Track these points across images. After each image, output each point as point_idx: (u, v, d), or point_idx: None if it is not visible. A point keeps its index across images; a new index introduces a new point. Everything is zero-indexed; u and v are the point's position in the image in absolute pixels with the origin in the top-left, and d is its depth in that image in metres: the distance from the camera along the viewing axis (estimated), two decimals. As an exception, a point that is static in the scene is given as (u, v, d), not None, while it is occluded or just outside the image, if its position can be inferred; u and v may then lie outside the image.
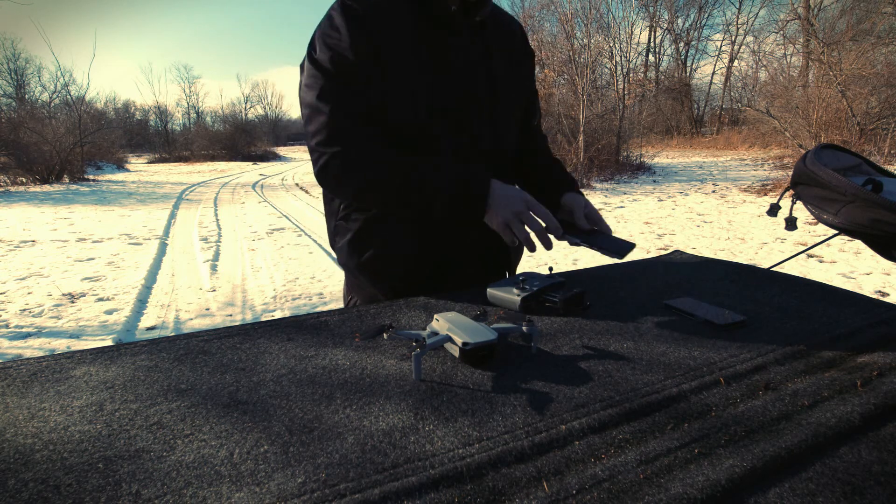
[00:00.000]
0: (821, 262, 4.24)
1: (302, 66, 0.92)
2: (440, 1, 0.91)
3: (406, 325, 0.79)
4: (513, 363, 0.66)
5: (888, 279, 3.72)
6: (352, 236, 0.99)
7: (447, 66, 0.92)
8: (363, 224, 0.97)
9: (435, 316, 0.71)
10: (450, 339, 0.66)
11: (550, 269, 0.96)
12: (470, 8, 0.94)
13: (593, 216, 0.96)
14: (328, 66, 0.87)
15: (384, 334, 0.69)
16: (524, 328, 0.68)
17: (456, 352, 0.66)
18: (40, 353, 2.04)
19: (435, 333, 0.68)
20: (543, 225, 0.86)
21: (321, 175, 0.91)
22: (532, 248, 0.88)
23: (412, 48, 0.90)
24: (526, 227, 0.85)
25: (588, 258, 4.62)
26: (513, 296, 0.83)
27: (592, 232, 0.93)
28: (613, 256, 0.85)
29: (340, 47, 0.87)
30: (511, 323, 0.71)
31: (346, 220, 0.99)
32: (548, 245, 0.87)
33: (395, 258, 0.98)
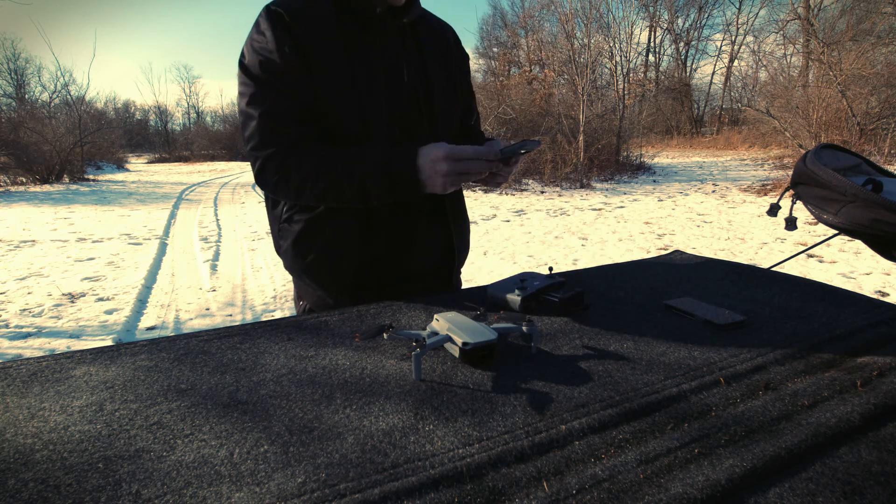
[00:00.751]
0: (821, 262, 4.24)
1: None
2: (364, 3, 0.92)
3: (406, 325, 0.79)
4: (513, 363, 0.66)
5: (888, 279, 3.72)
6: (294, 238, 0.97)
7: (377, 67, 0.92)
8: (305, 225, 0.96)
9: (435, 316, 0.71)
10: (450, 339, 0.66)
11: (550, 269, 0.96)
12: (397, 11, 0.95)
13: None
14: (256, 72, 0.88)
15: (384, 334, 0.69)
16: (524, 328, 0.68)
17: (456, 352, 0.66)
18: (40, 353, 2.04)
19: (435, 333, 0.68)
20: (476, 164, 0.83)
21: (259, 179, 0.91)
22: (487, 183, 0.91)
23: (339, 49, 0.90)
24: (466, 173, 0.84)
25: (588, 258, 4.62)
26: (513, 295, 0.83)
27: (551, 286, 0.90)
28: (534, 147, 0.86)
29: (267, 51, 0.87)
30: (511, 323, 0.71)
31: (288, 223, 0.98)
32: (499, 177, 0.92)
33: (338, 258, 0.97)
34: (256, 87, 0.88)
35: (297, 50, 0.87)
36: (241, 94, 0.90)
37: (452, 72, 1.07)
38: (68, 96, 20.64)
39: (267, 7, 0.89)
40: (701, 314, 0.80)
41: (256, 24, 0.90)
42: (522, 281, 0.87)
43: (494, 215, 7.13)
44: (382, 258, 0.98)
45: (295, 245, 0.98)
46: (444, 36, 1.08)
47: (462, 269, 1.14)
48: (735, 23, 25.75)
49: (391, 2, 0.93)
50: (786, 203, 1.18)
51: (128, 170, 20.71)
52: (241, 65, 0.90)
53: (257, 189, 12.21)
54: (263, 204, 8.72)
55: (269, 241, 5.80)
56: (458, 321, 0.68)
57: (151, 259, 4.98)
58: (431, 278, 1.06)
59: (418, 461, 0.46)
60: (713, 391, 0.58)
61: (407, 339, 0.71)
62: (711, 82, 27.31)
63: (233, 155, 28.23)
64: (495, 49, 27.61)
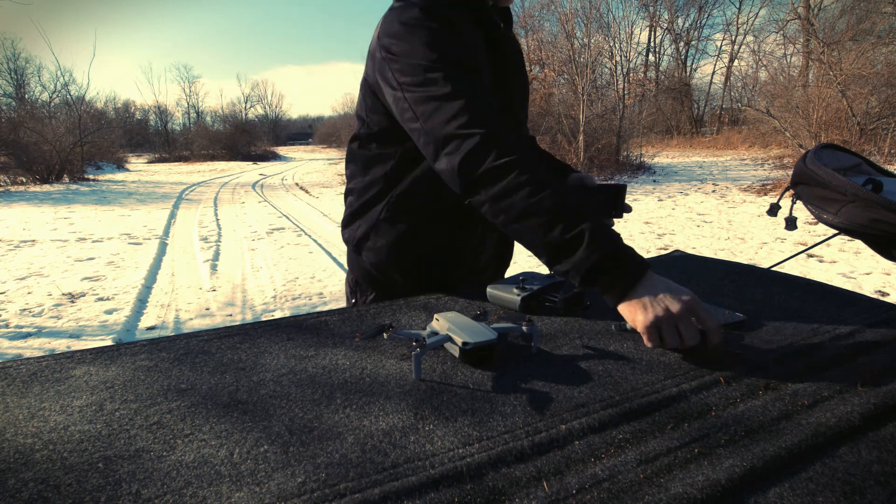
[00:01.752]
0: (821, 262, 4.24)
1: (377, 75, 0.87)
2: (491, 20, 0.94)
3: (406, 324, 0.79)
4: (513, 363, 0.66)
5: (888, 279, 3.72)
6: (398, 237, 0.98)
7: (505, 66, 0.98)
8: (409, 227, 0.98)
9: (435, 316, 0.71)
10: (450, 339, 0.66)
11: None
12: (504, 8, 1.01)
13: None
14: (450, 58, 0.80)
15: (384, 334, 0.69)
16: (524, 328, 0.68)
17: (456, 352, 0.66)
18: (40, 353, 2.04)
19: (435, 333, 0.68)
20: (698, 333, 0.66)
21: (470, 159, 0.75)
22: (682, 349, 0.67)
23: (482, 50, 0.93)
24: (679, 333, 0.65)
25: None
26: (513, 295, 0.83)
27: (552, 286, 0.88)
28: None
29: (448, 42, 0.82)
30: (511, 323, 0.71)
31: (389, 223, 0.98)
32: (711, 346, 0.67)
33: (431, 256, 1.02)
34: (452, 72, 0.79)
35: (471, 43, 0.88)
36: (429, 80, 0.79)
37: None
38: (68, 96, 20.64)
39: (426, 6, 0.84)
40: None
41: (416, 23, 0.82)
42: (522, 281, 0.87)
43: (494, 215, 7.11)
44: (458, 255, 1.04)
45: (397, 244, 0.99)
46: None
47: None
48: (735, 23, 25.75)
49: (500, 2, 0.97)
50: (786, 203, 1.18)
51: (128, 170, 20.70)
52: (422, 66, 0.80)
53: (257, 189, 12.22)
54: (263, 204, 8.63)
55: (269, 241, 5.80)
56: (459, 321, 0.68)
57: (151, 259, 4.98)
58: (486, 272, 1.12)
59: (418, 461, 0.46)
60: (713, 391, 0.58)
61: (407, 338, 0.71)
62: (711, 82, 27.32)
63: (233, 155, 28.22)
64: (495, 49, 27.52)
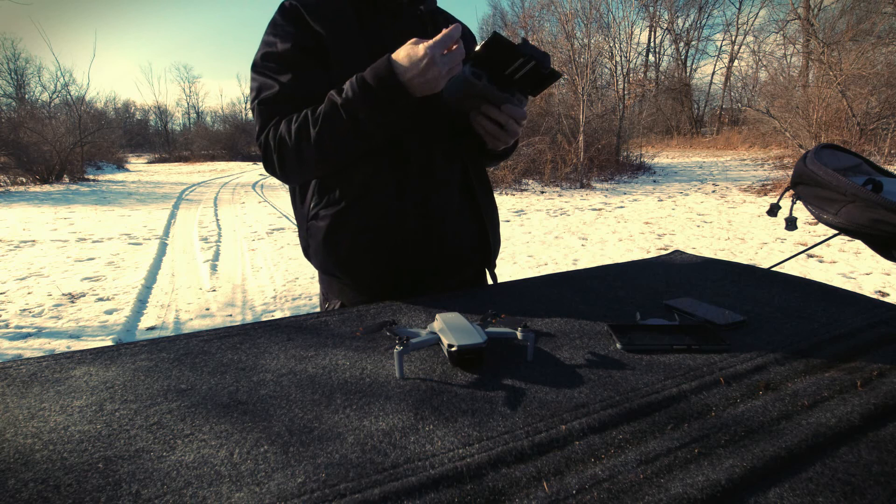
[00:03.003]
0: (821, 262, 4.24)
1: None
2: None
3: (406, 324, 0.79)
4: (512, 363, 0.66)
5: (888, 279, 3.72)
6: (324, 234, 0.95)
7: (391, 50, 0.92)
8: (332, 219, 0.94)
9: (437, 315, 0.71)
10: (438, 341, 0.66)
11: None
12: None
13: None
14: (261, 65, 0.90)
15: (385, 330, 0.69)
16: (519, 334, 0.68)
17: (446, 353, 0.66)
18: (40, 353, 2.04)
19: (433, 332, 0.68)
20: (453, 47, 0.79)
21: (266, 162, 0.91)
22: (498, 137, 0.88)
23: (355, 37, 0.91)
24: (447, 63, 0.78)
25: (588, 258, 4.62)
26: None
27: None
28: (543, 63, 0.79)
29: (273, 44, 0.89)
30: (508, 328, 0.71)
31: (315, 219, 0.96)
32: (507, 126, 0.87)
33: (370, 244, 0.94)
34: (260, 78, 0.89)
35: (309, 41, 0.88)
36: (251, 88, 0.92)
37: None
38: (68, 96, 20.65)
39: (282, 4, 0.91)
40: (701, 314, 0.80)
41: (272, 22, 0.91)
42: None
43: (494, 215, 7.11)
44: (417, 242, 0.96)
45: (325, 241, 0.95)
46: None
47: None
48: (735, 23, 25.76)
49: None
50: (786, 203, 1.18)
51: (128, 170, 20.71)
52: (252, 64, 0.91)
53: (257, 189, 12.22)
54: (263, 204, 8.65)
55: (269, 241, 5.80)
56: (454, 322, 0.68)
57: (151, 259, 4.98)
58: (467, 268, 1.05)
59: (418, 461, 0.46)
60: (713, 391, 0.58)
61: (406, 336, 0.70)
62: (711, 82, 27.33)
63: (233, 155, 28.24)
64: (495, 49, 27.50)
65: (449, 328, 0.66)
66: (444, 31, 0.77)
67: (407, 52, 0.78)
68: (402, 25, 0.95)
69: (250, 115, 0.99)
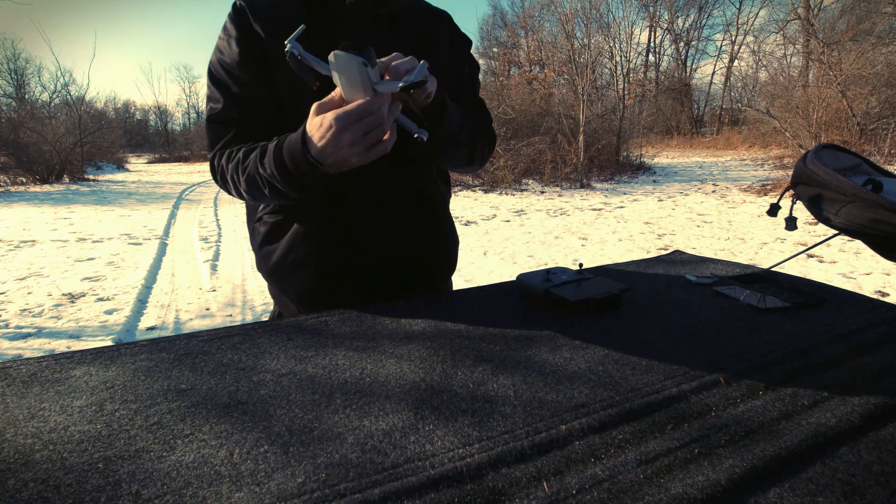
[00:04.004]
0: (821, 262, 4.24)
1: None
2: None
3: (407, 324, 0.79)
4: (512, 363, 0.66)
5: (888, 279, 3.72)
6: (261, 239, 0.94)
7: None
8: (270, 227, 0.93)
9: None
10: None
11: (580, 265, 0.98)
12: (370, 2, 0.87)
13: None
14: (212, 72, 0.87)
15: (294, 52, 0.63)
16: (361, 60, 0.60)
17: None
18: (40, 353, 2.04)
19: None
20: (375, 117, 0.65)
21: (216, 181, 0.90)
22: (384, 145, 0.68)
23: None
24: (361, 131, 0.65)
25: (588, 258, 4.62)
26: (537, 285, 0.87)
27: (577, 281, 0.88)
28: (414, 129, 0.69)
29: (223, 49, 0.85)
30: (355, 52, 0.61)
31: (259, 223, 0.95)
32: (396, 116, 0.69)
33: (298, 260, 0.91)
34: (211, 88, 0.87)
35: (254, 46, 0.83)
36: (206, 95, 0.89)
37: (443, 69, 0.89)
38: (68, 96, 20.63)
39: (234, 3, 0.86)
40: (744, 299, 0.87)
41: (224, 25, 0.87)
42: (549, 273, 0.91)
43: (494, 215, 7.13)
44: (351, 257, 0.91)
45: (261, 246, 0.94)
46: (436, 24, 0.97)
47: (461, 270, 1.10)
48: (735, 23, 25.76)
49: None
50: (786, 203, 1.18)
51: (128, 170, 20.70)
52: (208, 67, 0.88)
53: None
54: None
55: (269, 241, 5.80)
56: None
57: (151, 259, 4.98)
58: (414, 285, 0.97)
59: (418, 461, 0.46)
60: (713, 391, 0.58)
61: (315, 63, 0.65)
62: (711, 82, 27.33)
63: (233, 155, 28.19)
64: (495, 49, 27.61)
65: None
66: (359, 102, 0.64)
67: (315, 123, 0.67)
68: (353, 34, 0.86)
69: None
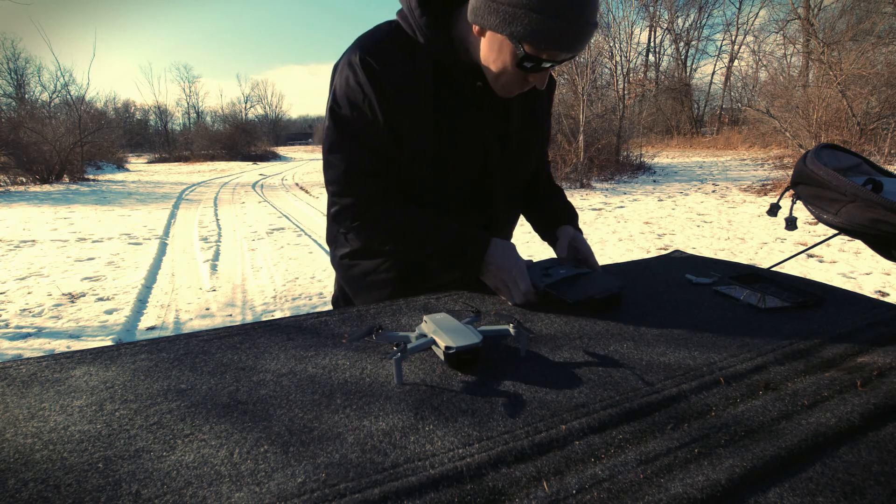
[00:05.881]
0: (821, 262, 4.24)
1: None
2: (464, 77, 0.90)
3: (406, 325, 0.79)
4: (512, 363, 0.66)
5: (888, 279, 3.72)
6: (347, 251, 1.03)
7: (459, 136, 0.92)
8: (360, 245, 1.01)
9: (423, 317, 0.71)
10: (434, 343, 0.66)
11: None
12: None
13: (582, 250, 0.99)
14: (346, 121, 0.88)
15: (373, 335, 0.67)
16: (511, 330, 0.68)
17: (442, 355, 0.66)
18: (40, 353, 2.04)
19: (423, 335, 0.67)
20: (522, 289, 0.87)
21: (336, 219, 0.95)
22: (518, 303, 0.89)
23: (428, 118, 0.89)
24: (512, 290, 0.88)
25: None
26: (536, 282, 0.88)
27: (576, 277, 0.91)
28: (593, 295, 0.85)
29: (358, 103, 0.86)
30: (499, 325, 0.71)
31: (346, 237, 1.02)
32: (527, 303, 0.89)
33: (375, 282, 1.02)
34: (344, 135, 0.89)
35: (388, 110, 0.86)
36: (327, 136, 0.91)
37: (539, 125, 1.04)
38: (68, 96, 20.61)
39: (362, 53, 0.86)
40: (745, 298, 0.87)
41: (352, 72, 0.86)
42: (547, 269, 0.91)
43: (494, 215, 7.11)
44: (425, 281, 1.01)
45: (343, 257, 1.04)
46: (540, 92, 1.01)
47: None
48: (735, 23, 25.76)
49: (481, 80, 0.90)
50: (786, 203, 1.18)
51: (128, 170, 20.71)
52: (332, 110, 0.89)
53: (257, 189, 12.22)
54: (263, 204, 8.65)
55: (269, 241, 5.80)
56: (445, 323, 0.68)
57: (151, 259, 4.98)
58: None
59: (418, 461, 0.46)
60: (713, 391, 0.58)
61: (394, 341, 0.70)
62: (711, 82, 27.33)
63: (233, 155, 28.23)
64: (495, 49, 27.49)
65: (443, 330, 0.66)
66: (526, 289, 0.87)
67: (504, 256, 0.89)
68: (474, 107, 0.92)
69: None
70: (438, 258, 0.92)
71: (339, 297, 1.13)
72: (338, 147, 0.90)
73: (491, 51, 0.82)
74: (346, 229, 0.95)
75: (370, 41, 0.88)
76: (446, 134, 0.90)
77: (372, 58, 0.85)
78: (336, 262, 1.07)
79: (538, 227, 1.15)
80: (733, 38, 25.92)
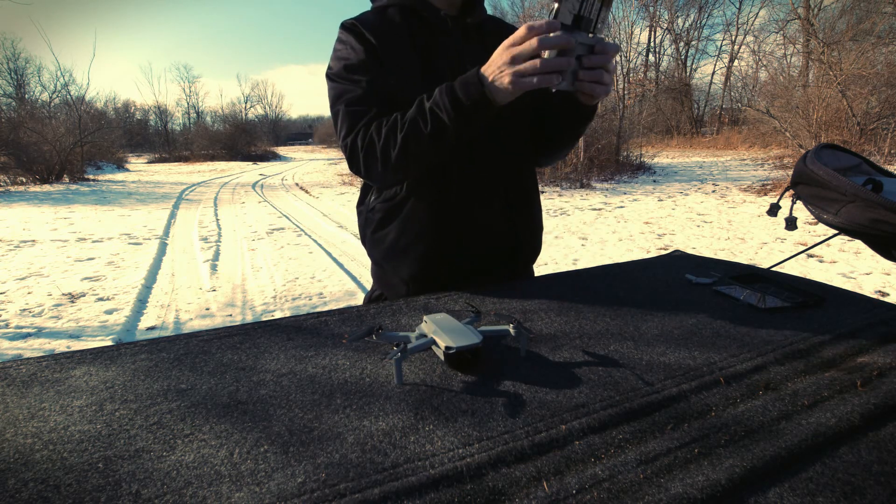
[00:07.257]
0: (821, 262, 4.24)
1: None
2: (430, 7, 1.02)
3: (406, 325, 0.79)
4: (512, 363, 0.66)
5: (888, 279, 3.72)
6: (375, 225, 1.06)
7: (437, 67, 1.00)
8: (384, 214, 1.04)
9: (423, 317, 0.71)
10: (434, 343, 0.66)
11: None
12: (461, 14, 1.04)
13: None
14: (338, 73, 0.98)
15: (373, 336, 0.67)
16: (512, 331, 0.67)
17: (442, 355, 0.66)
18: (40, 353, 2.04)
19: (423, 335, 0.67)
20: (535, 45, 0.73)
21: (351, 162, 0.97)
22: (555, 75, 0.75)
23: (406, 49, 0.99)
24: (528, 62, 0.74)
25: (588, 258, 4.62)
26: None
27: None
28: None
29: (345, 55, 0.98)
30: (500, 325, 0.71)
31: (372, 212, 1.07)
32: (599, 78, 0.77)
33: (413, 237, 1.02)
34: (339, 85, 0.98)
35: (372, 52, 0.97)
36: (329, 98, 0.99)
37: None
38: (68, 96, 20.63)
39: (343, 23, 1.02)
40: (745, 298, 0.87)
41: (338, 39, 1.02)
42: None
43: (494, 215, 7.11)
44: (452, 245, 1.02)
45: (374, 232, 1.06)
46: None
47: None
48: (735, 23, 25.76)
49: (446, 10, 1.02)
50: (786, 203, 1.19)
51: (128, 170, 20.71)
52: (327, 74, 1.00)
53: (257, 189, 12.22)
54: (263, 204, 8.66)
55: (269, 241, 5.81)
56: (445, 323, 0.68)
57: (151, 259, 4.98)
58: (501, 269, 1.08)
59: (418, 461, 0.46)
60: (713, 391, 0.58)
61: (394, 341, 0.70)
62: (711, 82, 27.34)
63: (233, 155, 28.24)
64: (495, 49, 27.51)
65: (442, 329, 0.66)
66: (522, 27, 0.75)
67: (492, 58, 0.80)
68: (449, 40, 1.03)
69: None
70: (443, 111, 0.84)
71: (376, 288, 1.15)
72: (338, 94, 0.97)
73: None
74: (361, 160, 0.94)
75: (350, 18, 1.03)
76: (429, 64, 0.99)
77: (351, 21, 1.01)
78: (370, 244, 1.10)
79: (561, 117, 1.05)
80: (733, 38, 25.93)
